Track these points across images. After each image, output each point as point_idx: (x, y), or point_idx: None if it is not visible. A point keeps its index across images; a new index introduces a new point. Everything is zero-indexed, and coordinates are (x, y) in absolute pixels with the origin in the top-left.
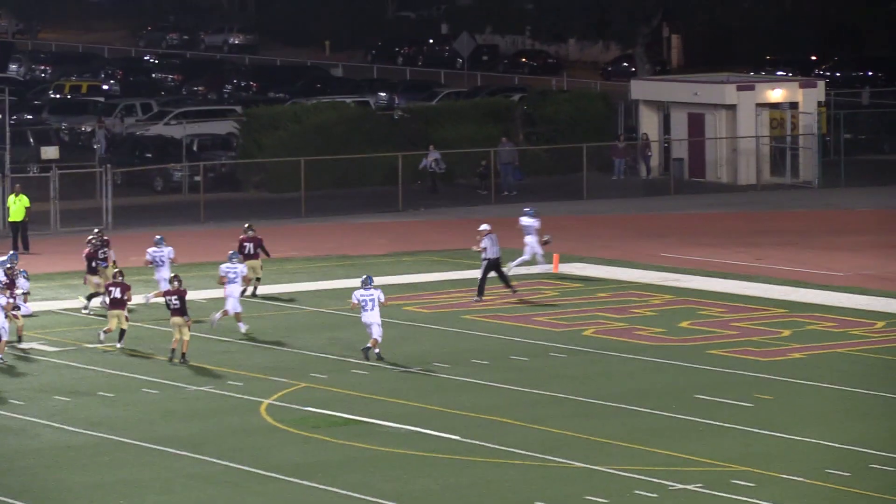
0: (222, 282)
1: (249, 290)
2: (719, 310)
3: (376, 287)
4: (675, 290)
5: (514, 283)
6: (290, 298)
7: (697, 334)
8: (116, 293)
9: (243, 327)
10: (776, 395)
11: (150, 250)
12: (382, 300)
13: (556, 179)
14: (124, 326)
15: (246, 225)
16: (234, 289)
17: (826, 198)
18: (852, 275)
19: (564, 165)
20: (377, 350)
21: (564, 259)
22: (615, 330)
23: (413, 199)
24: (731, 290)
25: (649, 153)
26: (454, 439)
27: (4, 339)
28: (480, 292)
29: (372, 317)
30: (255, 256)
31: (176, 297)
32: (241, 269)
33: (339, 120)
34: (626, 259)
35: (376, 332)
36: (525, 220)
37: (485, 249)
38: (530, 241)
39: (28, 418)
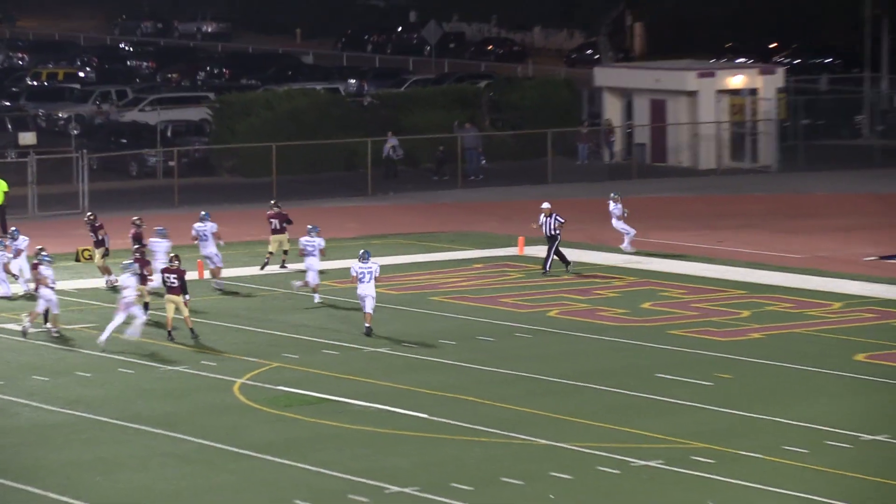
0: (302, 254)
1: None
2: (680, 291)
3: (373, 262)
4: (637, 272)
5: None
6: (262, 280)
7: (659, 315)
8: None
9: (317, 298)
10: (735, 374)
11: (195, 225)
12: (377, 274)
13: (522, 164)
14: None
15: (272, 201)
16: (314, 261)
17: (785, 182)
18: (809, 257)
19: (530, 150)
20: (368, 325)
21: (529, 242)
22: (579, 311)
23: (382, 184)
24: (692, 271)
25: (612, 138)
26: (422, 417)
27: (55, 312)
28: (566, 262)
29: (367, 289)
30: (281, 231)
31: (175, 275)
32: (319, 241)
33: (309, 106)
34: (589, 242)
35: (369, 305)
36: (611, 205)
37: (541, 226)
38: (617, 224)
39: (7, 398)
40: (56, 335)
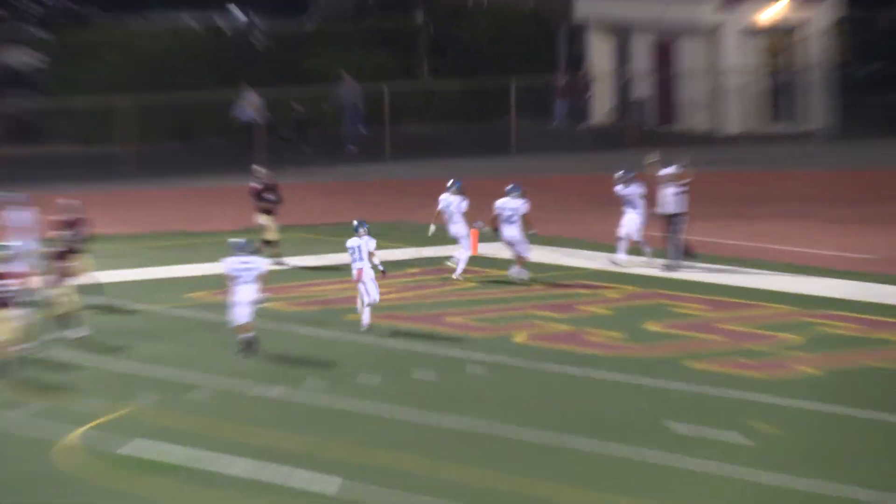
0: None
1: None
2: (699, 306)
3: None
4: (639, 280)
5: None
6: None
7: (669, 340)
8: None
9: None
10: (781, 425)
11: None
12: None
13: (475, 129)
14: None
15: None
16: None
17: (843, 152)
18: (883, 258)
19: (486, 109)
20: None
21: (483, 238)
22: (556, 334)
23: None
24: (716, 279)
25: (589, 94)
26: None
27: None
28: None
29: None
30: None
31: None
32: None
33: (177, 48)
34: (576, 237)
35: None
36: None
37: None
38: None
39: None
40: None
